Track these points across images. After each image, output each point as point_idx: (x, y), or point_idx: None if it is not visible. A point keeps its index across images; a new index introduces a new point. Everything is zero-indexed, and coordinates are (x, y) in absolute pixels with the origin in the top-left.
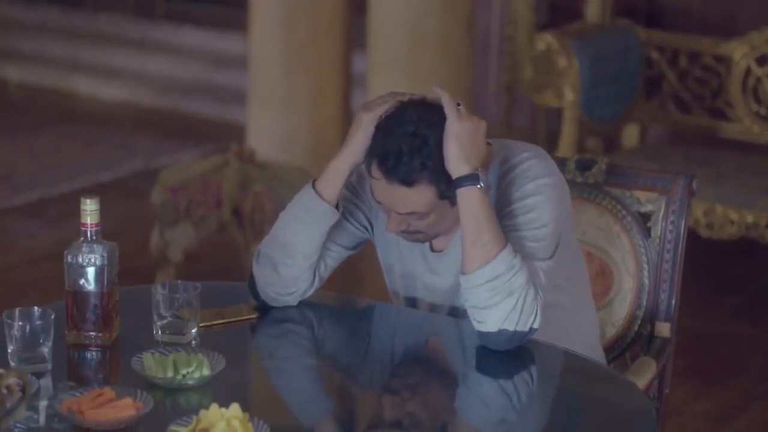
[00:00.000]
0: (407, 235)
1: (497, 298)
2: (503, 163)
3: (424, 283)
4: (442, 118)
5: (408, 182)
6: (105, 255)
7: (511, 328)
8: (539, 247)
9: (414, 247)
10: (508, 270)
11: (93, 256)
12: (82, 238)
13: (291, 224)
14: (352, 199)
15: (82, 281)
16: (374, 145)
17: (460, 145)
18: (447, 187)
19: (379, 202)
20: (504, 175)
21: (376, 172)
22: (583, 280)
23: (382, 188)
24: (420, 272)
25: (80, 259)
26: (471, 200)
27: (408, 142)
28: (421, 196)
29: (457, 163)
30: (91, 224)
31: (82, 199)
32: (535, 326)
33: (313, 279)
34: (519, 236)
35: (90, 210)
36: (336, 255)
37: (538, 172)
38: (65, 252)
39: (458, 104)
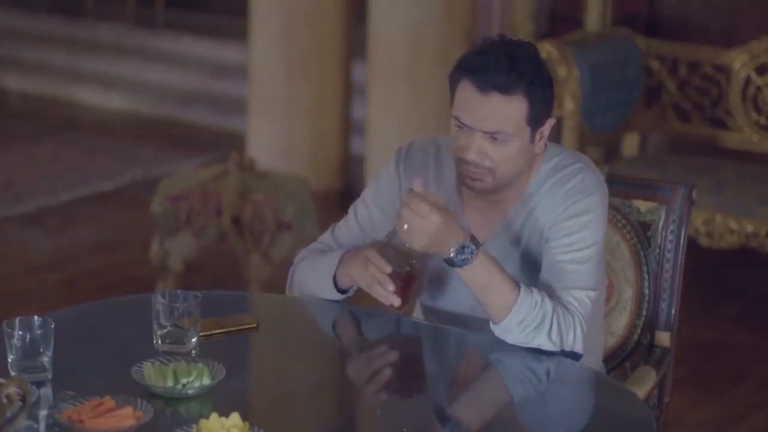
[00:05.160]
0: (474, 170)
1: (533, 333)
2: (556, 168)
3: (453, 287)
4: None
5: (506, 90)
6: None
7: (556, 348)
8: (584, 270)
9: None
10: (532, 308)
11: None
12: None
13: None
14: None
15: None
16: (468, 61)
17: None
18: (538, 108)
19: (461, 126)
20: (558, 182)
21: (468, 86)
22: (602, 296)
23: (472, 104)
24: (453, 276)
25: None
26: (474, 276)
27: (505, 56)
28: (514, 109)
29: (443, 250)
30: None
31: None
32: (578, 350)
33: None
34: (566, 260)
35: None
36: None
37: (591, 187)
38: None
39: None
